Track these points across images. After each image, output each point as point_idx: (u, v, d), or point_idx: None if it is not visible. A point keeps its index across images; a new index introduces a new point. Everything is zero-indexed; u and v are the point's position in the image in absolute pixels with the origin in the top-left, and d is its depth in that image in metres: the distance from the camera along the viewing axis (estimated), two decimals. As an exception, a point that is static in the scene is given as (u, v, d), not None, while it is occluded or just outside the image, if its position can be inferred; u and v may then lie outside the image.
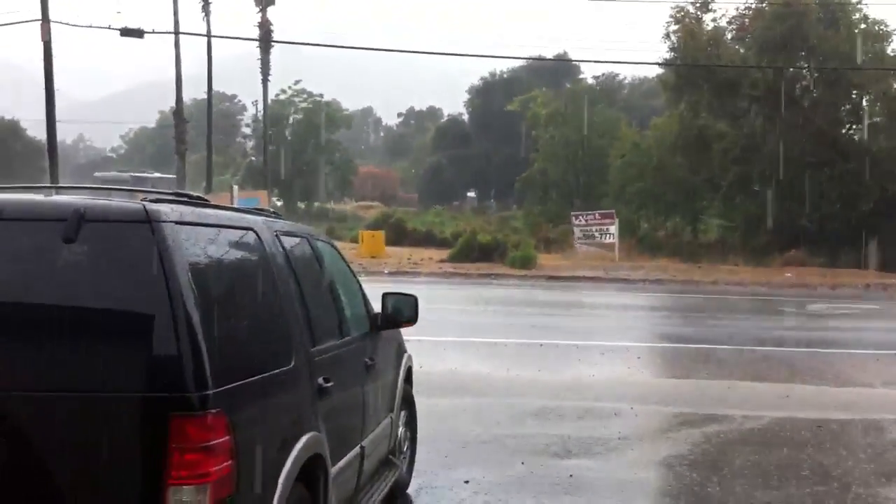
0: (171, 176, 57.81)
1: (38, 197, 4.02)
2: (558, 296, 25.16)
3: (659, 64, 44.34)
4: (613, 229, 39.34)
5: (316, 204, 72.59)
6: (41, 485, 3.34)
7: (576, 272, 32.06)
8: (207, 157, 47.40)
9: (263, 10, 52.49)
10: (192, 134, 47.87)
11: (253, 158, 71.16)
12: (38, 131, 55.26)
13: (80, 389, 3.34)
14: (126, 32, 33.22)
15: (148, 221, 3.47)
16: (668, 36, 42.31)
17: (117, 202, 3.75)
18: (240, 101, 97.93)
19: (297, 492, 4.01)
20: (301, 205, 69.43)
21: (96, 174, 53.34)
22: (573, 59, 78.96)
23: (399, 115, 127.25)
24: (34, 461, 3.31)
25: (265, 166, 55.26)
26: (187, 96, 46.35)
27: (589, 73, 76.81)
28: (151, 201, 3.68)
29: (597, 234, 40.18)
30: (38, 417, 3.32)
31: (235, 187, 42.41)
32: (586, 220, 41.15)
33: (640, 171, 48.20)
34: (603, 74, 75.13)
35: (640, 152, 48.95)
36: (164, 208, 3.61)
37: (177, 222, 3.60)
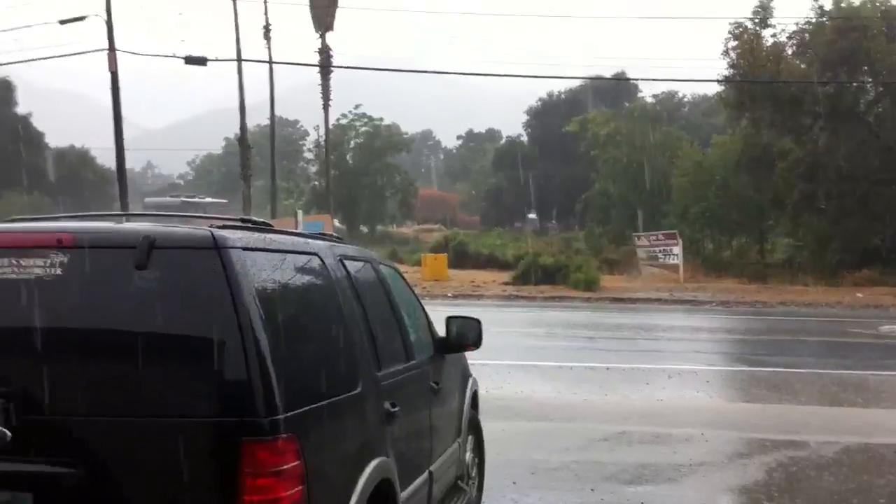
0: (222, 200, 58.64)
1: (109, 225, 4.05)
2: (623, 318, 24.85)
3: (718, 81, 43.77)
4: (677, 250, 38.83)
5: (378, 227, 73.07)
6: None
7: (640, 294, 31.71)
8: (271, 182, 47.99)
9: (322, 36, 53.09)
10: (256, 159, 48.62)
11: (316, 183, 71.93)
12: (107, 159, 56.63)
13: (152, 414, 3.35)
14: (190, 60, 33.87)
15: (216, 248, 3.47)
16: (727, 52, 41.78)
17: (185, 229, 3.76)
18: (302, 126, 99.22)
19: None
20: (363, 228, 69.96)
21: (146, 199, 54.28)
22: (632, 77, 78.43)
23: (458, 137, 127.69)
24: (110, 486, 3.32)
25: (327, 190, 55.75)
26: (251, 122, 47.00)
27: (648, 92, 76.38)
28: (219, 228, 3.68)
29: (660, 255, 39.70)
30: (112, 442, 3.34)
31: (300, 212, 42.80)
32: (650, 241, 40.72)
33: (702, 190, 47.57)
34: (662, 93, 74.66)
35: (703, 171, 48.34)
36: (230, 234, 3.61)
37: (243, 248, 3.60)
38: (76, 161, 68.74)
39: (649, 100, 70.89)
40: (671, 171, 52.04)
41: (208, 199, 56.26)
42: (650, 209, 53.21)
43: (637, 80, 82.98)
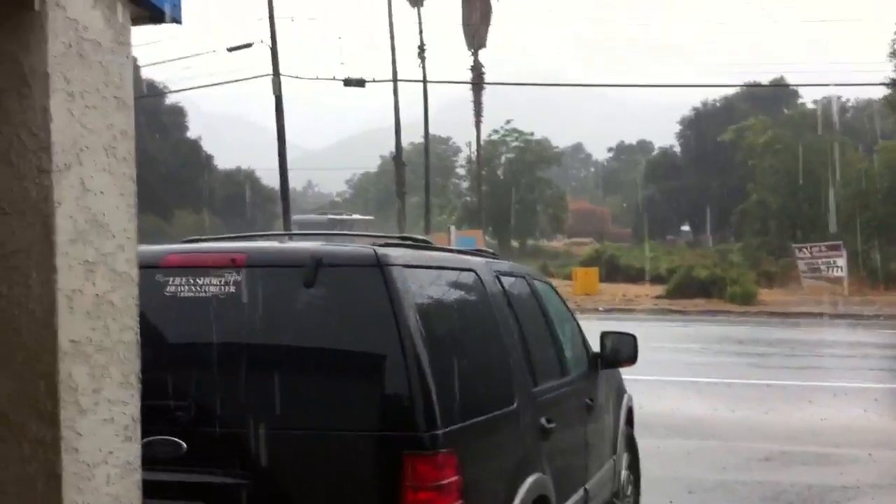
0: (368, 217, 59.90)
1: (279, 245, 4.29)
2: (783, 333, 24.00)
3: (885, 84, 41.69)
4: (841, 262, 37.15)
5: (529, 241, 73.02)
6: None
7: (801, 308, 30.53)
8: (425, 198, 48.75)
9: (475, 54, 53.79)
10: (410, 177, 49.49)
11: (468, 198, 72.59)
12: (270, 180, 58.88)
13: (318, 427, 3.51)
14: (349, 83, 34.89)
15: (378, 265, 3.61)
16: (893, 54, 39.81)
17: (350, 247, 3.95)
18: (454, 142, 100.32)
19: None
20: (514, 243, 70.05)
21: (294, 217, 55.95)
22: (791, 83, 75.63)
23: (609, 150, 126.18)
24: (277, 496, 3.49)
25: (479, 206, 56.23)
26: (405, 140, 47.97)
27: (808, 98, 73.46)
28: (381, 246, 3.85)
29: (823, 268, 38.10)
30: (280, 454, 3.50)
31: (453, 228, 43.37)
32: (811, 253, 39.14)
33: (868, 198, 45.34)
34: (823, 98, 71.64)
35: (868, 178, 46.09)
36: (392, 252, 3.76)
37: (404, 265, 3.73)
38: (242, 182, 71.82)
39: (810, 106, 68.13)
40: (834, 179, 49.87)
41: (355, 216, 57.73)
42: (811, 219, 51.10)
43: (797, 85, 79.75)
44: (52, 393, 2.12)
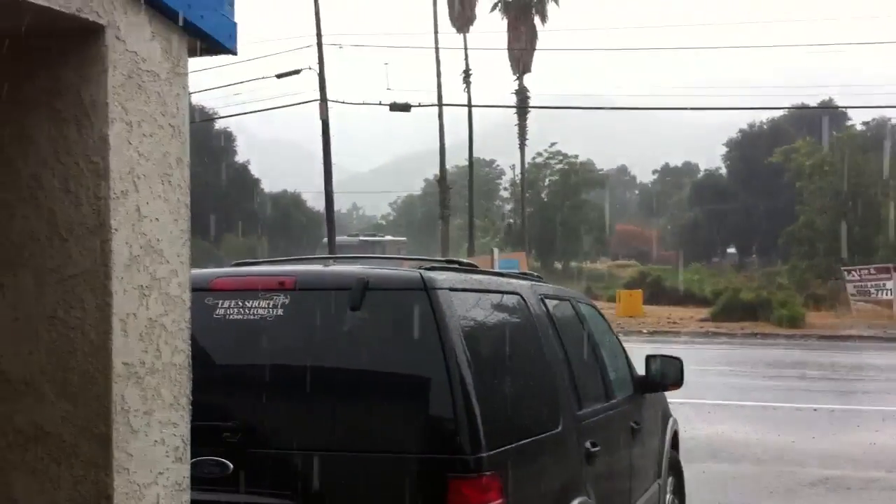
0: (401, 238, 60.00)
1: (326, 268, 4.35)
2: (831, 356, 23.60)
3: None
4: (891, 284, 36.49)
5: (573, 263, 72.73)
6: None
7: (850, 331, 30.02)
8: (469, 221, 48.86)
9: (520, 78, 53.96)
10: (454, 199, 49.66)
11: (511, 221, 72.55)
12: (316, 202, 59.41)
13: (364, 449, 3.54)
14: (395, 107, 35.14)
15: (424, 289, 3.65)
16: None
17: (397, 271, 4.00)
18: (498, 165, 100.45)
19: None
20: (558, 265, 69.83)
21: (324, 240, 56.21)
22: (839, 105, 74.77)
23: (654, 172, 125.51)
24: None
25: (522, 228, 56.21)
26: (450, 164, 48.19)
27: (857, 119, 72.47)
28: (427, 269, 3.89)
29: (873, 290, 37.46)
30: (325, 475, 3.53)
31: (496, 250, 43.35)
32: (860, 275, 38.51)
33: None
34: (873, 119, 70.66)
35: (919, 200, 45.26)
36: (438, 276, 3.79)
37: (450, 289, 3.76)
38: (289, 205, 72.57)
39: (859, 127, 67.23)
40: (884, 201, 49.07)
41: (387, 238, 57.82)
42: (860, 241, 50.31)
43: (846, 107, 78.86)
44: (105, 415, 2.18)
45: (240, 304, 3.79)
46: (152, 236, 2.37)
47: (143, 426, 2.27)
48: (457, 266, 4.41)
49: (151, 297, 2.34)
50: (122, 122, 2.27)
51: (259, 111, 37.73)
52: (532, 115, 57.34)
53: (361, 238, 52.28)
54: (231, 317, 3.78)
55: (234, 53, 2.78)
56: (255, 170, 72.98)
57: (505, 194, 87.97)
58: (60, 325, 2.21)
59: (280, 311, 3.74)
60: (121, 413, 2.20)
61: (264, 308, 3.76)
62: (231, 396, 3.73)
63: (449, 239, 44.65)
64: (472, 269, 4.59)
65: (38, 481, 2.19)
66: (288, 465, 3.58)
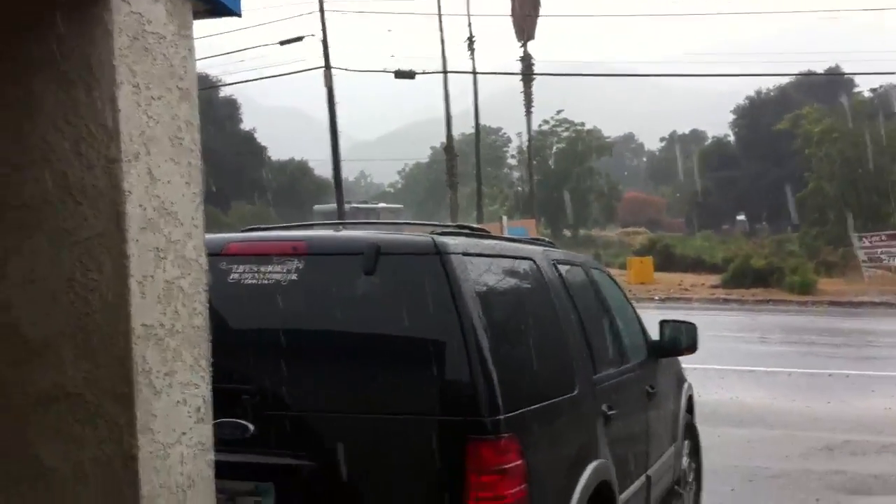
0: (396, 206, 59.81)
1: (338, 233, 4.32)
2: (843, 323, 23.58)
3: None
4: (902, 250, 36.39)
5: (581, 231, 72.66)
6: (353, 501, 3.56)
7: (861, 297, 29.97)
8: (477, 189, 48.78)
9: (524, 45, 53.57)
10: (461, 167, 49.52)
11: (519, 188, 72.44)
12: (322, 170, 59.28)
13: (380, 411, 3.54)
14: (399, 74, 35.04)
15: (437, 253, 3.63)
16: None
17: (409, 236, 3.97)
18: (504, 133, 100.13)
19: None
20: (567, 232, 69.77)
21: (315, 207, 55.51)
22: (847, 72, 74.18)
23: (661, 139, 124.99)
24: (343, 477, 3.52)
25: (531, 196, 56.08)
26: (456, 131, 47.95)
27: (865, 86, 71.92)
28: (438, 234, 3.86)
29: (884, 257, 37.33)
30: (344, 436, 3.54)
31: (504, 217, 43.33)
32: (871, 242, 38.38)
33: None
34: (881, 87, 70.08)
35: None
36: (450, 241, 3.76)
37: (463, 253, 3.74)
38: (297, 172, 72.43)
39: (867, 94, 66.71)
40: (894, 168, 48.82)
41: (381, 205, 57.64)
42: (871, 208, 50.11)
43: (853, 74, 78.25)
44: (127, 376, 2.16)
45: (254, 268, 3.79)
46: (165, 199, 2.35)
47: (165, 387, 2.26)
48: (468, 231, 4.38)
49: (167, 259, 2.32)
50: (130, 85, 2.25)
51: (263, 78, 37.56)
52: (538, 83, 56.95)
53: (353, 205, 51.82)
54: (246, 281, 3.78)
55: (239, 16, 2.75)
56: (261, 137, 72.77)
57: (512, 162, 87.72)
58: (78, 287, 2.19)
59: (294, 276, 3.73)
60: (142, 374, 2.19)
61: (279, 273, 3.75)
62: (248, 360, 3.73)
63: (457, 207, 44.58)
64: (484, 234, 4.56)
65: (62, 442, 2.19)
66: (306, 426, 3.60)
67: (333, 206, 43.40)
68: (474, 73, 45.66)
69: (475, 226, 4.83)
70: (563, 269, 4.87)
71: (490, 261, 4.06)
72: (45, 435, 2.20)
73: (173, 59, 2.42)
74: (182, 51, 2.47)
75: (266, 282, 3.75)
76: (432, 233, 3.92)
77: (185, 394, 2.33)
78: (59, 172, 2.23)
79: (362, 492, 3.54)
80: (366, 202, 61.41)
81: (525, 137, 60.57)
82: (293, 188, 66.45)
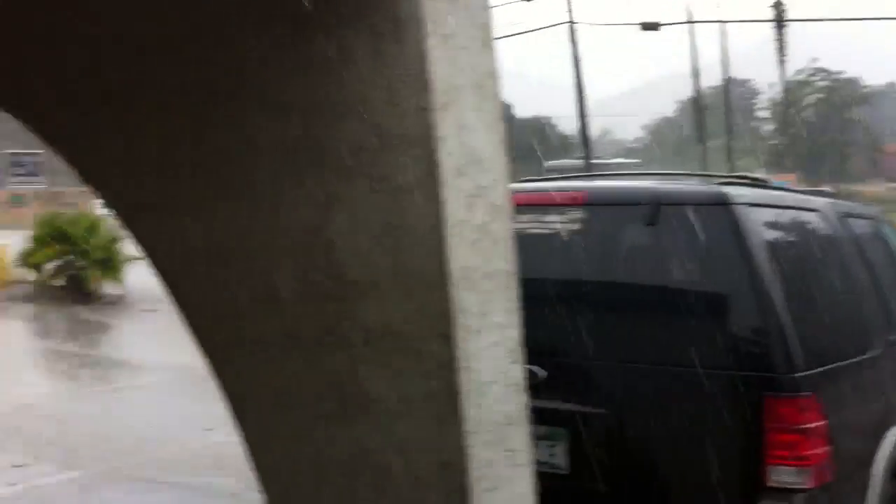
0: (633, 160, 57.88)
1: (618, 183, 4.26)
2: None
3: None
4: None
5: (841, 186, 68.51)
6: (644, 450, 3.56)
7: None
8: (727, 142, 47.05)
9: (780, -10, 50.76)
10: (709, 121, 47.84)
11: (771, 142, 69.06)
12: (565, 127, 58.92)
13: (671, 363, 3.48)
14: (645, 26, 34.26)
15: (724, 203, 3.51)
16: None
17: (693, 186, 3.85)
18: (753, 84, 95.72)
19: (890, 488, 3.77)
20: (827, 188, 65.97)
21: (546, 163, 54.63)
22: None
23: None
24: (635, 427, 3.53)
25: (786, 149, 53.33)
26: (703, 84, 46.36)
27: None
28: (721, 185, 3.72)
29: None
30: (633, 387, 3.54)
31: (762, 171, 41.62)
32: None
33: None
34: None
35: None
36: (737, 191, 3.64)
37: (750, 204, 3.59)
38: (542, 128, 72.85)
39: None
40: None
41: (617, 160, 56.00)
42: None
43: None
44: (446, 315, 2.23)
45: (538, 218, 3.80)
46: (474, 146, 2.39)
47: (483, 328, 2.33)
48: (749, 182, 4.19)
49: (479, 205, 2.37)
50: (437, 36, 2.29)
51: (506, 36, 37.62)
52: (792, 31, 53.87)
53: (589, 162, 50.77)
54: (530, 231, 3.79)
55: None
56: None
57: (762, 115, 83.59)
58: (398, 231, 2.28)
59: (575, 226, 3.72)
60: (462, 315, 2.26)
61: (561, 222, 3.75)
62: (536, 309, 3.76)
63: (707, 161, 43.19)
64: (765, 185, 4.34)
65: (389, 375, 2.30)
66: (597, 375, 3.62)
67: (566, 161, 43.13)
68: (722, 21, 43.87)
69: (754, 175, 4.61)
70: (852, 222, 4.57)
71: (777, 212, 3.89)
72: (373, 368, 2.32)
73: (475, 9, 2.44)
74: (482, 1, 2.48)
75: (549, 231, 3.77)
76: (716, 183, 3.79)
77: (500, 335, 2.38)
78: (373, 121, 2.32)
79: (653, 443, 3.51)
80: (599, 157, 60.46)
81: (778, 89, 57.56)
82: (541, 142, 66.77)
